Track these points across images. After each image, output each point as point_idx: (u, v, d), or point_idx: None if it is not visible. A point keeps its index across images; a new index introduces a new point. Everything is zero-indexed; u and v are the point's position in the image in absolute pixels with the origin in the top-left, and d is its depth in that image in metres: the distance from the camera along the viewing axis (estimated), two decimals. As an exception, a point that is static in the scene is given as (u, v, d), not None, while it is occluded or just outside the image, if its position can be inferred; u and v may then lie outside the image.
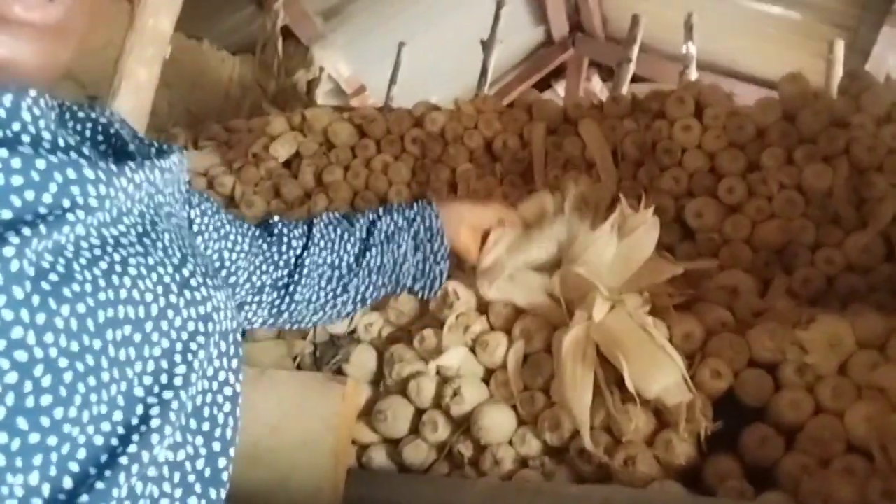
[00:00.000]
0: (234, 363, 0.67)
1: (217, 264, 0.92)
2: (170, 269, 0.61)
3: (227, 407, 0.65)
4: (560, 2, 3.95)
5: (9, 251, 0.47)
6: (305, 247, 1.06)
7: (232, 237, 0.94)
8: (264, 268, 1.02)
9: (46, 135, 0.56)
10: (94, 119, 0.67)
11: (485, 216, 1.29)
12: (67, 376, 0.49)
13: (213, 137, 2.45)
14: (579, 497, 1.05)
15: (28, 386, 0.47)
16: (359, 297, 1.15)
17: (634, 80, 3.06)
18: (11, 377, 0.46)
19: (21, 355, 0.46)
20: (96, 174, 0.55)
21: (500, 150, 1.93)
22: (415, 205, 1.22)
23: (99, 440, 0.52)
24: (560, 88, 4.74)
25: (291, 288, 1.04)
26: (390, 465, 1.28)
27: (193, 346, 0.60)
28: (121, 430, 0.53)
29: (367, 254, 1.13)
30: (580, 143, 1.82)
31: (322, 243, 1.09)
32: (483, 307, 1.34)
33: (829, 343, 1.07)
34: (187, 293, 0.62)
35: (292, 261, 1.05)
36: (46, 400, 0.48)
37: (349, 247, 1.12)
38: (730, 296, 1.29)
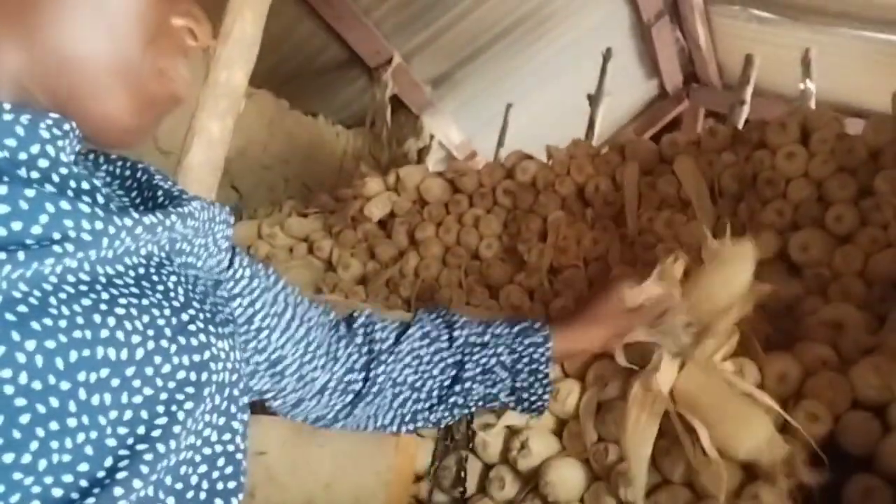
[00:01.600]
0: (223, 420, 0.61)
1: (264, 343, 0.81)
2: (167, 312, 0.57)
3: (203, 468, 0.58)
4: (673, 53, 3.84)
5: None
6: (389, 353, 0.90)
7: (286, 317, 0.82)
8: (323, 363, 0.86)
9: (63, 158, 0.55)
10: (130, 167, 0.67)
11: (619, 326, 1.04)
12: (24, 418, 0.45)
13: (322, 206, 2.51)
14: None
15: None
16: (431, 424, 0.98)
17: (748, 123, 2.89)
18: None
19: None
20: (93, 210, 0.53)
21: (591, 194, 1.85)
22: (526, 333, 1.00)
23: (57, 492, 0.46)
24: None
25: (357, 399, 0.89)
26: (458, 525, 1.19)
27: (180, 396, 0.55)
28: (84, 483, 0.48)
29: (457, 386, 0.94)
30: (676, 181, 1.71)
31: (409, 359, 0.92)
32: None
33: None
34: (181, 339, 0.57)
35: (365, 364, 0.90)
36: None
37: (438, 373, 0.94)
38: (834, 332, 1.13)
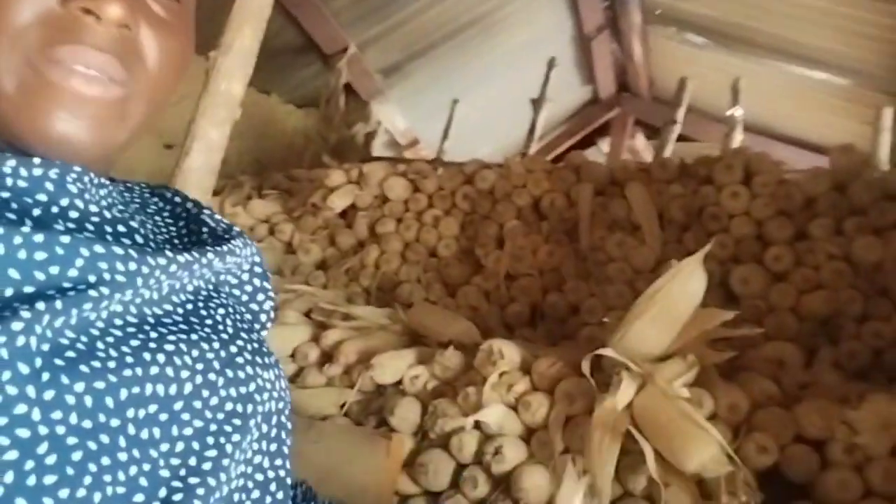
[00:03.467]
0: (274, 447, 0.63)
1: None
2: (216, 346, 0.59)
3: (256, 493, 0.60)
4: (608, 62, 4.01)
5: (17, 326, 0.46)
6: None
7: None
8: None
9: (93, 209, 0.56)
10: (166, 201, 0.68)
11: None
12: (76, 455, 0.47)
13: (276, 186, 2.54)
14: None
15: (30, 464, 0.45)
16: None
17: (679, 139, 3.08)
18: (11, 454, 0.44)
19: (23, 432, 0.45)
20: (126, 251, 0.53)
21: (547, 208, 1.96)
22: None
23: None
24: (604, 146, 4.77)
25: None
26: (430, 518, 1.29)
27: (228, 428, 0.57)
28: None
29: None
30: (626, 205, 1.84)
31: None
32: (526, 367, 1.36)
33: (882, 424, 1.06)
34: (229, 371, 0.58)
35: None
36: (50, 479, 0.46)
37: None
38: (775, 367, 1.29)
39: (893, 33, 2.68)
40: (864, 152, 1.64)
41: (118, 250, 0.53)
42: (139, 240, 0.58)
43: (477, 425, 1.29)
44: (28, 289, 0.49)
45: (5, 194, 0.52)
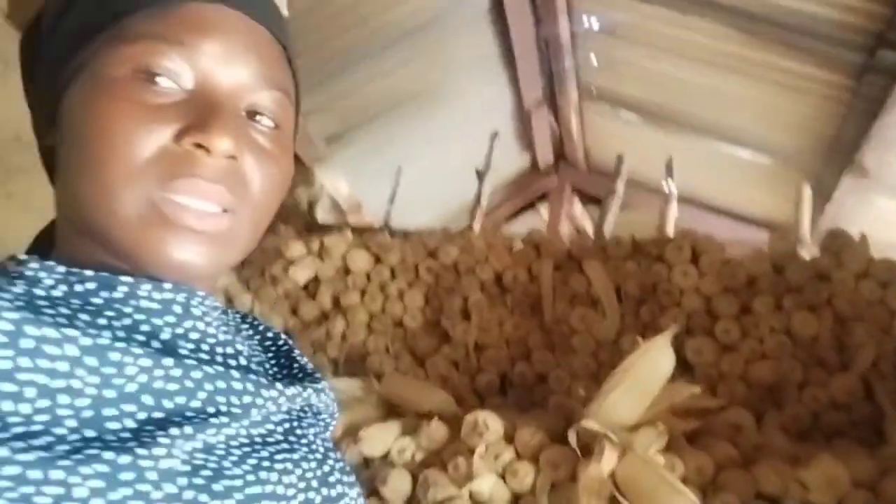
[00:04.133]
0: None
1: None
2: (312, 465, 0.64)
3: None
4: (546, 132, 4.25)
5: (159, 451, 0.52)
6: None
7: None
8: None
9: (212, 333, 0.61)
10: (255, 329, 0.72)
11: None
12: None
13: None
14: None
15: None
16: None
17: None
18: None
19: None
20: (244, 386, 0.59)
21: (510, 282, 2.10)
22: None
23: None
24: (544, 212, 5.01)
25: None
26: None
27: None
28: None
29: None
30: (585, 280, 2.00)
31: None
32: (510, 436, 1.47)
33: (828, 482, 1.21)
34: (325, 490, 0.64)
35: None
36: None
37: None
38: (733, 431, 1.44)
39: (809, 120, 2.97)
40: (797, 235, 1.84)
41: (236, 385, 0.58)
42: (242, 362, 0.63)
43: (468, 493, 1.38)
44: (157, 414, 0.54)
45: (140, 316, 0.57)
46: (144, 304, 0.58)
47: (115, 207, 0.56)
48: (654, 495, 1.22)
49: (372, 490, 1.53)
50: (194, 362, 0.57)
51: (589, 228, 5.10)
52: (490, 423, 1.46)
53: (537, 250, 2.13)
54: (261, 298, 2.38)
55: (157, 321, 0.58)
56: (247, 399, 0.59)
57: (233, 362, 0.62)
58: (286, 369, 0.71)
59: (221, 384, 0.58)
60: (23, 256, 0.58)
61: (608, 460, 1.27)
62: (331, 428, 0.75)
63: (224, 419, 0.57)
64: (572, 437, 1.31)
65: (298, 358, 0.73)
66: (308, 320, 2.31)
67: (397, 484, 1.49)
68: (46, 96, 0.60)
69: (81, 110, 0.56)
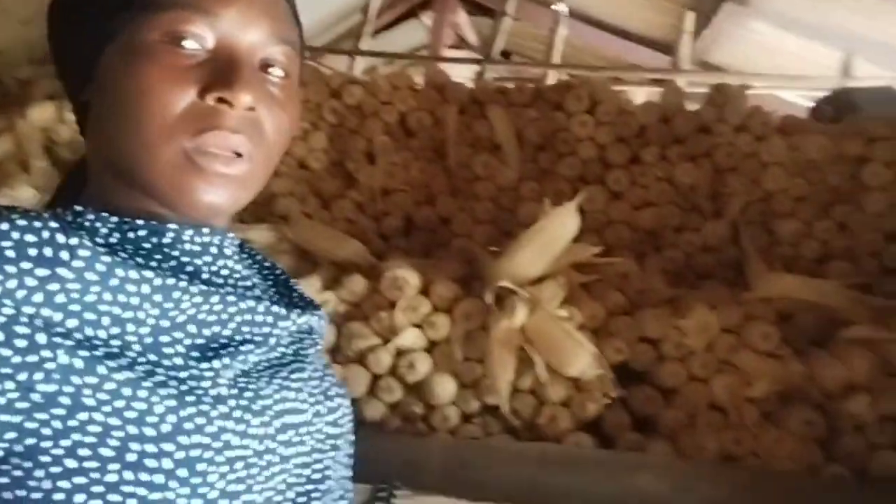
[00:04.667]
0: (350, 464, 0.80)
1: None
2: (317, 382, 0.74)
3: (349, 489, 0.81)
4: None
5: (207, 383, 0.63)
6: None
7: None
8: None
9: (238, 269, 0.71)
10: (267, 264, 0.80)
11: None
12: (254, 470, 0.65)
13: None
14: (520, 451, 1.38)
15: (231, 476, 0.62)
16: None
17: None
18: (224, 469, 0.62)
19: (230, 453, 0.62)
20: (265, 318, 0.69)
21: (414, 126, 2.15)
22: None
23: None
24: (426, 19, 4.91)
25: None
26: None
27: (326, 447, 0.74)
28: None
29: None
30: (488, 125, 2.08)
31: None
32: (426, 289, 1.61)
33: (701, 328, 1.43)
34: (328, 402, 0.73)
35: None
36: (241, 487, 0.63)
37: None
38: (621, 280, 1.63)
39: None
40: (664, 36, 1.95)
41: (260, 318, 0.69)
42: (258, 293, 0.72)
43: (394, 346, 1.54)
44: (199, 341, 0.65)
45: (185, 259, 0.67)
46: (188, 247, 0.68)
47: (153, 158, 0.64)
48: (559, 347, 1.40)
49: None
50: (232, 297, 0.68)
51: (472, 39, 5.07)
52: (409, 278, 1.58)
53: (441, 94, 2.17)
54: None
55: (198, 261, 0.68)
56: (266, 329, 0.69)
57: (251, 294, 0.71)
58: (286, 297, 0.79)
59: (248, 316, 0.68)
60: (78, 207, 0.65)
61: (519, 315, 1.44)
62: (320, 345, 0.85)
63: (250, 346, 0.68)
64: (490, 297, 1.46)
65: (296, 287, 0.82)
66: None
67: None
68: (84, 56, 0.66)
69: (120, 71, 0.63)
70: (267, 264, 0.82)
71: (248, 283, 0.73)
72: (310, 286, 1.71)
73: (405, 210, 2.09)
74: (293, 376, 0.72)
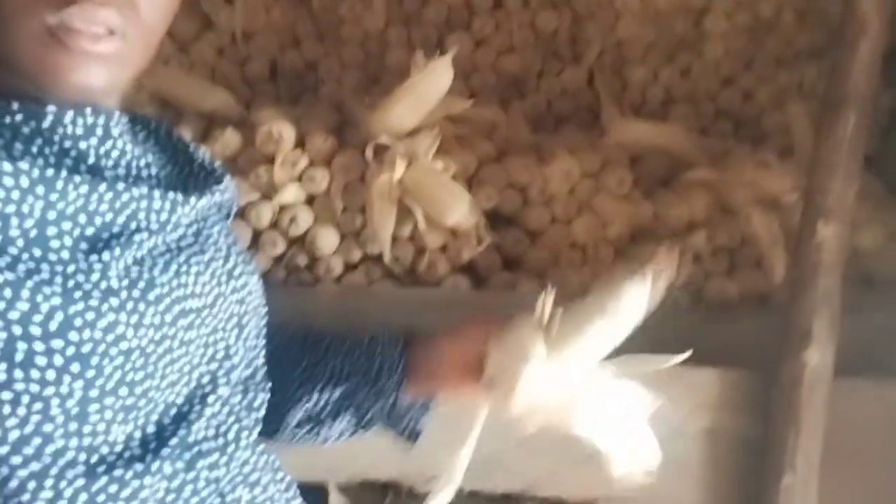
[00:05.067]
0: (256, 342, 0.82)
1: None
2: (220, 262, 0.75)
3: (260, 361, 0.84)
4: None
5: (96, 275, 0.63)
6: None
7: None
8: None
9: (129, 150, 0.70)
10: (150, 131, 0.79)
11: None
12: (152, 357, 0.66)
13: None
14: (404, 298, 1.49)
15: (128, 366, 0.64)
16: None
17: None
18: (119, 360, 0.63)
19: (124, 345, 0.63)
20: (162, 204, 0.68)
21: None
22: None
23: (174, 398, 0.69)
24: None
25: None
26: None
27: (230, 325, 0.76)
28: (186, 390, 0.70)
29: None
30: (351, -37, 2.01)
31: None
32: (301, 142, 1.62)
33: (564, 175, 1.56)
34: (232, 282, 0.76)
35: None
36: (139, 375, 0.65)
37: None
38: (490, 128, 1.71)
39: None
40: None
41: (157, 205, 0.69)
42: (154, 172, 0.73)
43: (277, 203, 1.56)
44: (89, 231, 0.64)
45: (67, 143, 0.65)
46: (70, 129, 0.66)
47: (14, 34, 0.62)
48: (437, 197, 1.49)
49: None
50: (122, 184, 0.66)
51: None
52: (284, 132, 1.59)
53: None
54: None
55: (83, 145, 0.66)
56: (164, 216, 0.70)
57: (145, 174, 0.71)
58: (188, 167, 0.80)
59: (144, 203, 0.68)
60: None
61: (398, 169, 1.50)
62: (232, 212, 0.87)
63: (145, 234, 0.68)
64: (369, 153, 1.50)
65: (196, 154, 0.81)
66: None
67: (199, 191, 1.61)
68: None
69: None
70: (163, 133, 0.81)
71: (142, 163, 0.72)
72: (180, 141, 1.67)
73: (269, 55, 2.03)
74: (193, 259, 0.73)
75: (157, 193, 0.69)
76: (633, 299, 0.78)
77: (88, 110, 0.66)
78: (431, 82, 1.55)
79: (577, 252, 1.54)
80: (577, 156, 1.58)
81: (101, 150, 0.68)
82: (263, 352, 0.87)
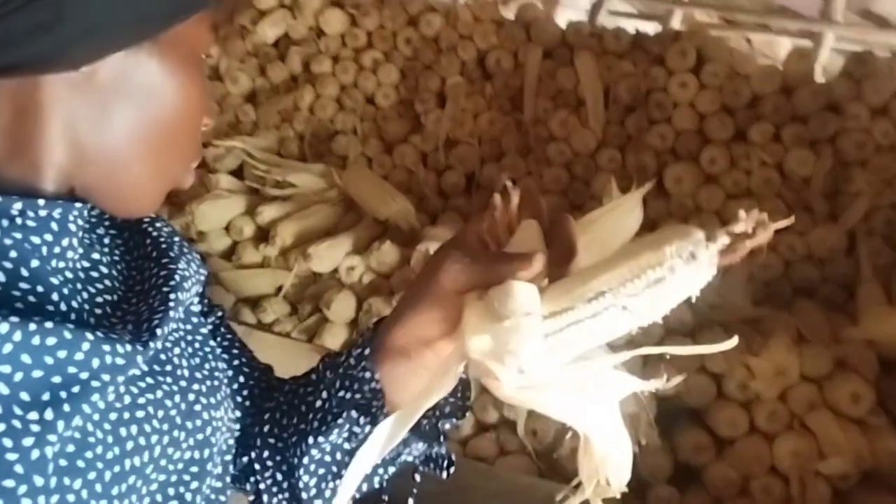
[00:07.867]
0: (226, 480, 0.68)
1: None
2: (177, 399, 0.61)
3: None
4: None
5: (28, 441, 0.49)
6: None
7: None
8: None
9: (81, 251, 0.59)
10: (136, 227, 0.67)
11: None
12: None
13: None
14: (528, 486, 1.18)
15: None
16: None
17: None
18: None
19: None
20: (113, 347, 0.55)
21: (493, 66, 1.89)
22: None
23: None
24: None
25: None
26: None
27: (187, 477, 0.62)
28: None
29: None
30: (574, 75, 1.79)
31: None
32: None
33: (776, 372, 1.16)
34: (189, 423, 0.62)
35: None
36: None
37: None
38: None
39: None
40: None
41: (106, 346, 0.54)
42: (115, 281, 0.62)
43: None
44: (37, 373, 0.51)
45: (7, 241, 0.53)
46: (20, 221, 0.55)
47: (152, 176, 0.58)
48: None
49: (316, 307, 1.50)
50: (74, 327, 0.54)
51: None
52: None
53: (527, 31, 1.89)
54: (228, 52, 2.18)
55: (27, 246, 0.55)
56: (120, 361, 0.56)
57: (107, 334, 0.56)
58: (140, 249, 0.67)
59: (95, 350, 0.55)
60: None
61: None
62: (199, 287, 0.69)
63: (106, 376, 0.55)
64: None
65: (148, 228, 0.68)
66: (276, 83, 2.14)
67: (341, 308, 1.45)
68: None
69: None
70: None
71: (98, 270, 0.61)
72: (338, 249, 1.53)
73: (469, 166, 1.86)
74: (140, 401, 0.58)
75: (106, 343, 0.55)
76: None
77: (41, 202, 0.56)
78: (615, 222, 1.25)
79: (775, 481, 1.12)
80: (802, 347, 1.18)
81: (55, 250, 0.57)
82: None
